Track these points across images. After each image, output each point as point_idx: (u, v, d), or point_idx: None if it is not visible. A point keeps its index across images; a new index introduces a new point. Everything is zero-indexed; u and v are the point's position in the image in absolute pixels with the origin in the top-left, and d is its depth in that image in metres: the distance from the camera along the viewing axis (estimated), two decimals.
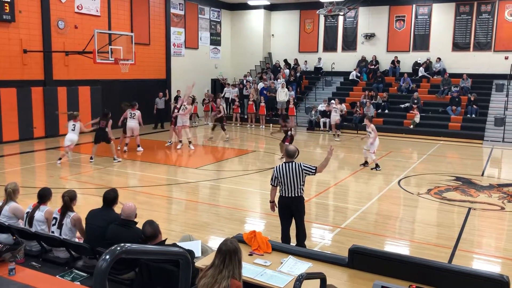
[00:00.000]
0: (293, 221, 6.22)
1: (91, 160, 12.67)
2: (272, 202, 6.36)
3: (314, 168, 6.11)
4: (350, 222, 8.06)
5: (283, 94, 21.21)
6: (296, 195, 6.08)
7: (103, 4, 18.34)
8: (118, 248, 1.62)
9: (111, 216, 5.05)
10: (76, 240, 5.34)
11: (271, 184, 6.25)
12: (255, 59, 25.72)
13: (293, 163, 6.10)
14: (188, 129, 15.08)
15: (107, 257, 1.54)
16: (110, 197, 5.16)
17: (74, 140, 12.11)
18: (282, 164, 6.13)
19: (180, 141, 15.05)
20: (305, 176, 6.10)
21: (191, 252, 4.45)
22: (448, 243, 7.06)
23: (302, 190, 6.14)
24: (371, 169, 12.28)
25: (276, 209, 6.29)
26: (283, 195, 6.11)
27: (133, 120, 13.95)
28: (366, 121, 12.56)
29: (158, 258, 3.94)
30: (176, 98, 17.61)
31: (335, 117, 18.62)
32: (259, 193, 10.15)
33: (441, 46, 21.88)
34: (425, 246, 6.97)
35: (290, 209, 6.14)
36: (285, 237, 6.20)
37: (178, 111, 14.78)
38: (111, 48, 15.76)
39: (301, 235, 6.24)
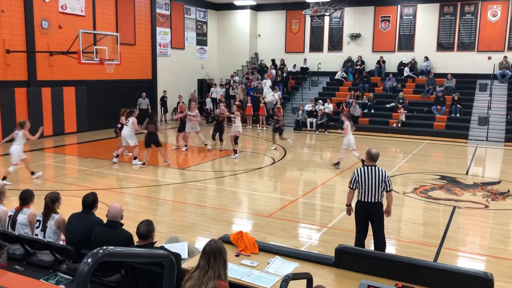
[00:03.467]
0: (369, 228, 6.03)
1: (142, 166, 12.16)
2: (349, 206, 6.14)
3: (391, 188, 5.90)
4: (337, 221, 8.08)
5: (270, 95, 21.22)
6: (376, 200, 5.83)
7: (87, 4, 18.15)
8: (101, 251, 1.59)
9: (90, 220, 4.99)
10: (61, 242, 5.27)
11: (349, 187, 6.02)
12: (242, 59, 25.71)
13: (376, 167, 5.87)
14: (200, 133, 14.90)
15: (89, 260, 1.51)
16: (89, 201, 5.08)
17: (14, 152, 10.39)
18: (363, 168, 5.90)
19: (186, 146, 14.79)
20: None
21: (177, 255, 4.42)
22: (434, 242, 7.13)
23: (383, 196, 5.89)
24: (333, 164, 12.52)
25: (353, 214, 6.10)
26: (362, 200, 5.89)
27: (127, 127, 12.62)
28: (344, 118, 12.70)
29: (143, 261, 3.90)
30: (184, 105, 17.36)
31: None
32: (246, 193, 10.13)
33: (425, 46, 22.10)
34: (411, 244, 7.03)
35: (369, 215, 5.93)
36: (360, 245, 5.93)
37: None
38: (96, 49, 15.63)
39: (381, 244, 6.00)
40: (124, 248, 2.34)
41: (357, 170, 5.94)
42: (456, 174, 11.92)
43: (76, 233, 4.92)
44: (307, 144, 17.59)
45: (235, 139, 13.34)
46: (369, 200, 5.84)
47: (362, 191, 5.86)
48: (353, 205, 6.14)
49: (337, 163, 12.35)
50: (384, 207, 6.01)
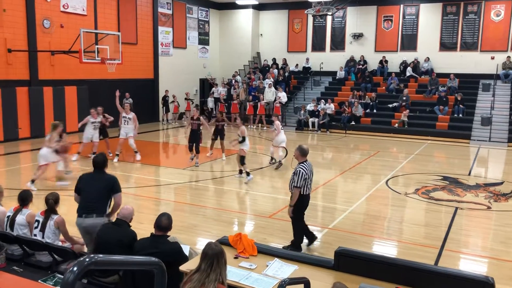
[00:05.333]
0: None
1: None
2: (293, 206, 6.36)
3: None
4: (338, 222, 8.04)
5: (270, 94, 21.19)
6: (310, 192, 6.46)
7: (89, 3, 18.14)
8: (87, 260, 1.56)
9: (104, 178, 5.51)
10: (60, 243, 5.25)
11: (298, 187, 6.22)
12: (244, 59, 25.67)
13: (308, 161, 6.41)
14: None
15: (75, 269, 1.48)
16: (99, 161, 5.54)
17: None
18: (303, 164, 6.29)
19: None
20: None
21: (186, 258, 4.43)
22: (435, 243, 7.08)
23: None
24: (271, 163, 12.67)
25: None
26: (306, 193, 6.34)
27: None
28: (274, 118, 13.47)
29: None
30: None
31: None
32: (247, 194, 10.10)
33: (428, 46, 22.02)
34: (412, 246, 6.98)
35: (306, 206, 6.51)
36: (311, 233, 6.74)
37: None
38: (97, 48, 15.60)
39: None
40: (111, 256, 2.30)
41: (302, 168, 6.31)
42: (458, 174, 11.86)
43: (93, 191, 5.36)
44: (308, 144, 17.54)
45: (241, 159, 10.88)
46: (309, 193, 6.42)
47: (305, 186, 6.29)
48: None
49: (279, 162, 12.34)
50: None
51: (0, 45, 15.17)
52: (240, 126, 11.43)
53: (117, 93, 13.50)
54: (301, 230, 6.55)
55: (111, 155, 12.90)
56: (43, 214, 5.21)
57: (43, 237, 5.11)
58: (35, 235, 5.17)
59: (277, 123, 12.80)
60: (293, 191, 6.31)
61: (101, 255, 1.65)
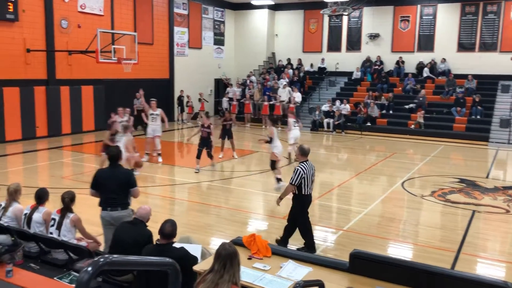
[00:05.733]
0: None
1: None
2: (282, 199, 6.64)
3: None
4: (353, 224, 7.98)
5: (284, 94, 21.14)
6: (312, 192, 6.49)
7: (106, 3, 18.33)
8: (102, 260, 1.56)
9: (120, 171, 5.67)
10: (75, 241, 5.30)
11: (293, 184, 6.31)
12: (259, 59, 25.66)
13: (310, 162, 6.44)
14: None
15: (90, 269, 1.49)
16: (114, 154, 5.71)
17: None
18: (304, 164, 6.34)
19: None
20: None
21: (195, 259, 4.42)
22: (452, 246, 6.97)
23: None
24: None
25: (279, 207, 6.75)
26: (307, 193, 6.37)
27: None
28: (290, 114, 13.46)
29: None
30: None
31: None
32: (262, 194, 10.08)
33: (446, 47, 21.75)
34: (428, 249, 6.89)
35: (309, 205, 6.54)
36: (310, 234, 6.65)
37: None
38: (114, 48, 15.74)
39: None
40: (125, 257, 2.31)
41: (301, 167, 6.29)
42: (476, 177, 11.68)
43: (114, 184, 5.52)
44: (323, 145, 17.45)
45: (272, 164, 10.25)
46: (310, 193, 6.44)
47: (305, 185, 6.30)
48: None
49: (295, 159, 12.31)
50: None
51: (19, 45, 15.41)
52: (269, 127, 11.02)
53: (141, 92, 13.53)
54: (307, 230, 6.51)
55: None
56: (59, 212, 5.27)
57: (59, 235, 5.16)
58: (51, 233, 5.23)
59: (289, 120, 12.78)
60: (287, 186, 6.56)
61: (115, 256, 1.65)
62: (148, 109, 12.89)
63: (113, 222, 5.48)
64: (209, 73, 24.59)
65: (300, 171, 6.24)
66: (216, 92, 25.21)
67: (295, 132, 12.52)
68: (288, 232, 6.58)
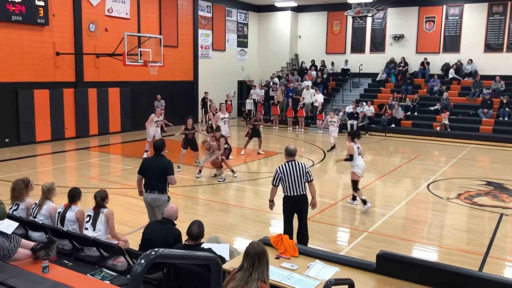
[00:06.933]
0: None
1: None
2: (272, 201, 6.50)
3: (312, 178, 6.32)
4: (378, 226, 7.96)
5: (308, 96, 21.13)
6: (302, 193, 6.22)
7: (132, 7, 18.67)
8: (153, 253, 1.66)
9: (161, 161, 6.39)
10: (108, 237, 5.49)
11: (273, 184, 6.31)
12: (282, 61, 25.72)
13: (295, 161, 6.23)
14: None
15: (142, 261, 1.59)
16: (158, 145, 6.49)
17: None
18: (284, 164, 6.23)
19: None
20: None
21: (222, 258, 4.51)
22: (479, 250, 6.90)
23: (306, 188, 6.30)
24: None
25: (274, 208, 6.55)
26: (288, 194, 6.23)
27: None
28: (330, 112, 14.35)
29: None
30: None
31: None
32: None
33: (472, 47, 21.39)
34: (454, 252, 6.83)
35: (296, 208, 6.32)
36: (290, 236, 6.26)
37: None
38: (140, 51, 16.02)
39: (306, 236, 6.47)
40: (175, 250, 2.41)
41: (279, 167, 6.22)
42: (503, 180, 11.48)
43: (154, 172, 6.30)
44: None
45: (353, 185, 9.08)
46: (295, 194, 6.19)
47: (286, 186, 6.18)
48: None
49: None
50: (309, 199, 6.38)
51: (49, 48, 15.83)
52: (348, 143, 9.15)
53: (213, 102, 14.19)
54: (286, 233, 6.28)
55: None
56: (94, 209, 5.54)
57: (94, 230, 5.40)
58: (86, 228, 5.48)
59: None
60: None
61: (165, 249, 1.75)
62: (217, 117, 13.48)
63: (151, 203, 6.40)
64: (233, 75, 24.76)
65: (276, 171, 6.23)
66: (239, 94, 25.37)
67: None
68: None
